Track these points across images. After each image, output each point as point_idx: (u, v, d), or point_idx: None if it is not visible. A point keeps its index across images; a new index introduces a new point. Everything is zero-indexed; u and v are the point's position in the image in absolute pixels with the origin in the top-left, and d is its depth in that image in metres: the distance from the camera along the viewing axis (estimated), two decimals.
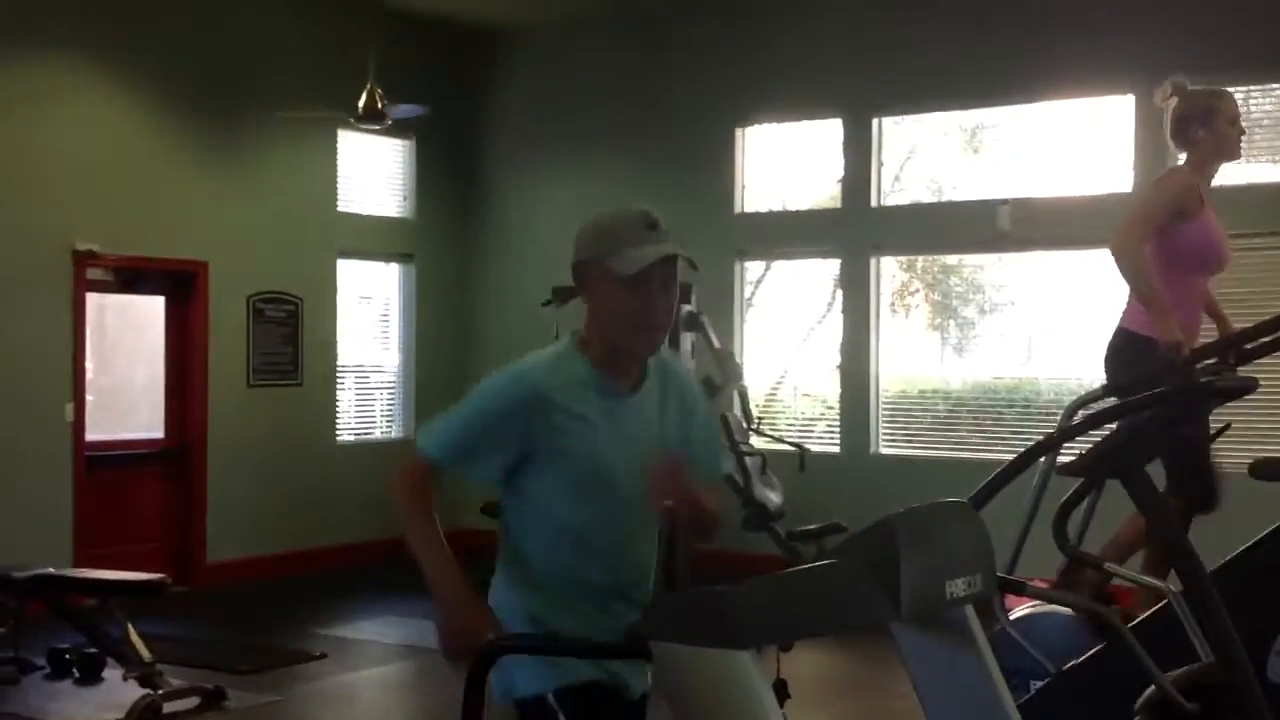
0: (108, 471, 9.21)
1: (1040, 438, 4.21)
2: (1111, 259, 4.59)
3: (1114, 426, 3.61)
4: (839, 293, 10.08)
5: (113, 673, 6.69)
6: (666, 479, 2.55)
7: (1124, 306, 4.79)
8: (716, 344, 8.86)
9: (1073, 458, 3.36)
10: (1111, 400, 3.96)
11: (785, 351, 10.50)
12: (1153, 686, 2.96)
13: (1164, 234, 4.61)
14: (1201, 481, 4.52)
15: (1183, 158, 4.80)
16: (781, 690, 2.10)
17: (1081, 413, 3.93)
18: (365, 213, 10.92)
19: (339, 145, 10.53)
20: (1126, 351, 4.62)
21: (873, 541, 2.19)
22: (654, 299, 2.60)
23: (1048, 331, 9.63)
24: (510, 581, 2.67)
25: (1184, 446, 4.28)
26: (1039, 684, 4.06)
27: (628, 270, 2.55)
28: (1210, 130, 4.65)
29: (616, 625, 2.56)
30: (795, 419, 10.37)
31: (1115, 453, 3.22)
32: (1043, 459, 3.87)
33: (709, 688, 2.09)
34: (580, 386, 2.60)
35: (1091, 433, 3.73)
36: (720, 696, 2.07)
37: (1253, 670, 3.00)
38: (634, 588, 2.67)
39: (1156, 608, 3.89)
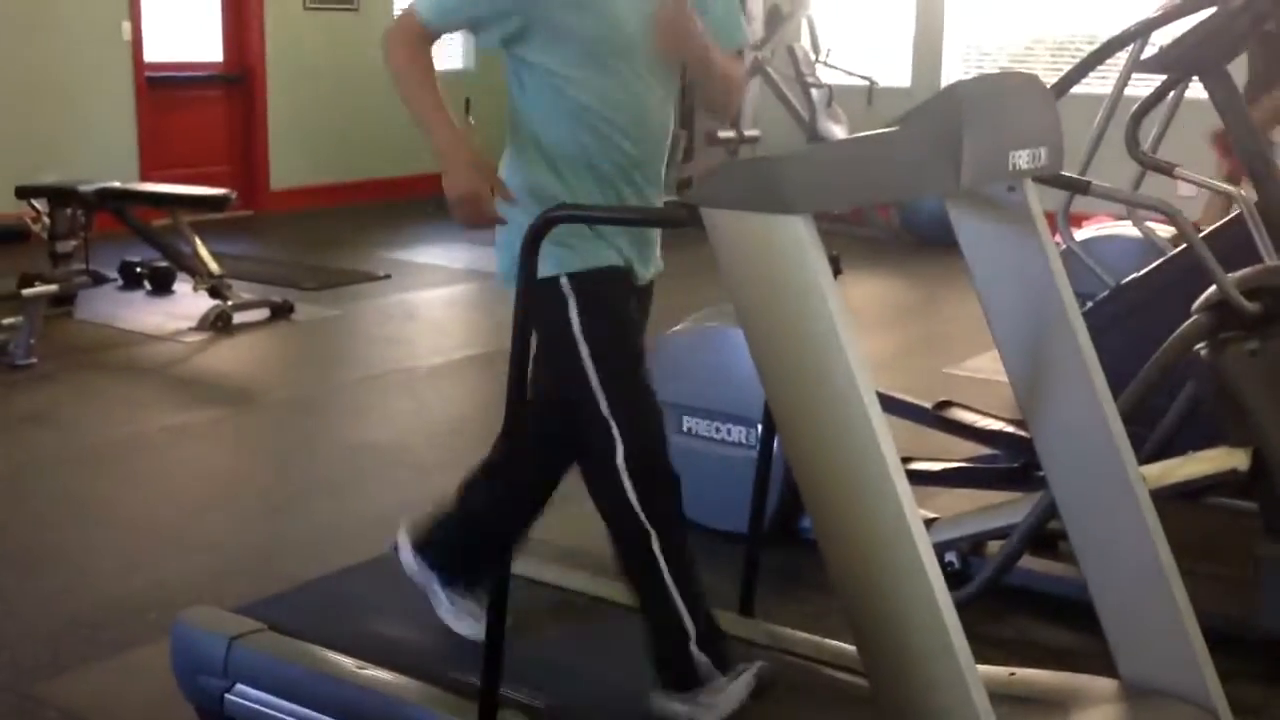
0: (169, 93, 9.17)
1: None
2: None
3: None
4: None
5: (183, 286, 6.86)
6: (671, 23, 2.39)
7: None
8: None
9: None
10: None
11: None
12: (1213, 287, 2.89)
13: None
14: None
15: None
16: (835, 265, 2.05)
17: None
18: None
19: None
20: None
21: (936, 109, 2.10)
22: None
23: None
24: (521, 161, 2.54)
25: None
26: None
27: None
28: None
29: (631, 203, 2.52)
30: (865, 50, 10.03)
31: (1198, 46, 3.08)
32: (1124, 53, 3.70)
33: (761, 254, 2.05)
34: None
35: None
36: (773, 262, 2.03)
37: None
38: (650, 165, 2.56)
39: (1226, 220, 3.82)
